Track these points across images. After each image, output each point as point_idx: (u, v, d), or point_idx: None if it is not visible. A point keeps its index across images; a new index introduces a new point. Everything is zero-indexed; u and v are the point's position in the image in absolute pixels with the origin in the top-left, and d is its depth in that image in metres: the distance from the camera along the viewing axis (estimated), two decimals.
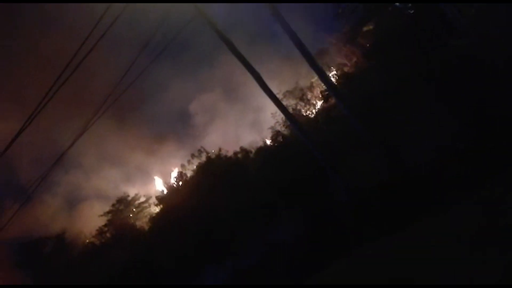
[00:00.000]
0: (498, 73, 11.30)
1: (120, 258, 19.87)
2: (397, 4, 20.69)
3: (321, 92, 21.88)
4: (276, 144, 21.97)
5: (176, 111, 40.34)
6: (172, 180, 27.88)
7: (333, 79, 20.62)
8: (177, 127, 38.55)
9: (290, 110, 21.94)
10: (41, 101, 10.10)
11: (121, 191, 32.02)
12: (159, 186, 31.87)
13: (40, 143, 34.31)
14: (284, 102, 22.04)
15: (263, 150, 22.63)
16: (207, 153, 24.92)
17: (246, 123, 33.15)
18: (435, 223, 9.19)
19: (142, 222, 27.24)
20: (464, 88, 12.23)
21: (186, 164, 27.42)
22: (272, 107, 23.96)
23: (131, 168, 36.25)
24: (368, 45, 21.84)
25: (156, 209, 26.82)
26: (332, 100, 18.92)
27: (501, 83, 11.19)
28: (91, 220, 30.61)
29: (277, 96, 14.67)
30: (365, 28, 21.04)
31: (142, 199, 29.48)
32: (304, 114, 22.66)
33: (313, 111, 22.74)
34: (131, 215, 28.49)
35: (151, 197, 29.39)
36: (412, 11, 20.25)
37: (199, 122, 37.00)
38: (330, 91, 13.94)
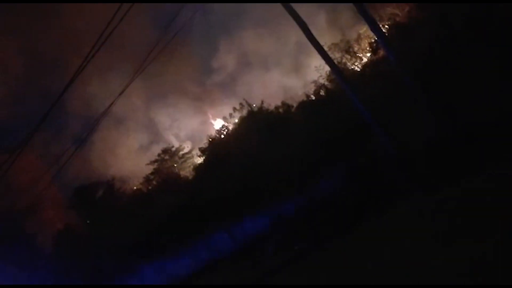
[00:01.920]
0: None
1: (166, 203, 20.95)
2: None
3: (369, 43, 20.88)
4: (319, 99, 21.58)
5: (215, 62, 39.76)
6: (214, 131, 28.43)
7: (383, 30, 19.57)
8: (216, 78, 38.18)
9: (335, 63, 21.26)
10: (85, 59, 10.15)
11: (167, 139, 33.21)
12: (217, 125, 32.07)
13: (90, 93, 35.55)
14: (330, 55, 21.33)
15: (305, 104, 22.34)
16: (250, 106, 24.94)
17: (289, 75, 32.47)
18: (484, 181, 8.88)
19: (186, 172, 28.26)
20: None
21: (228, 117, 27.69)
22: (315, 61, 23.32)
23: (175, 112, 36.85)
24: None
25: (199, 160, 27.64)
26: (381, 52, 18.07)
27: None
28: (138, 168, 32.07)
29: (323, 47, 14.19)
30: None
31: (186, 150, 30.43)
32: (350, 68, 21.88)
33: (360, 65, 21.91)
34: (175, 165, 29.60)
35: (193, 148, 30.24)
36: None
37: (239, 73, 36.55)
38: (380, 41, 13.30)
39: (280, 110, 23.75)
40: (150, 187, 29.38)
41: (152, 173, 29.71)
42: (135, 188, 32.24)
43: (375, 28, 12.88)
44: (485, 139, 10.27)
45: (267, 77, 33.99)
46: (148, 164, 30.22)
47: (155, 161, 30.09)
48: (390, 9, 22.18)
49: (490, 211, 7.21)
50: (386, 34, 17.14)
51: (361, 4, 12.46)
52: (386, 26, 20.18)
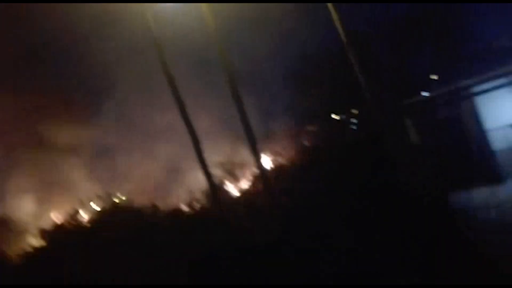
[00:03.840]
0: None
1: None
2: (343, 116, 22.05)
3: (253, 175, 21.54)
4: (192, 213, 20.78)
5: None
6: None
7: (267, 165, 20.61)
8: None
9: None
10: None
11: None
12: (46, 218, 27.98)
13: None
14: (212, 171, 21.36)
15: (177, 213, 21.14)
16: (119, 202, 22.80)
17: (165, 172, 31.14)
18: None
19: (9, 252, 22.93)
20: None
21: (86, 202, 24.59)
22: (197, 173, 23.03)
23: None
24: (306, 144, 22.57)
25: (33, 241, 23.09)
26: (259, 187, 18.65)
27: None
28: None
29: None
30: (309, 127, 21.87)
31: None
32: (228, 190, 22.02)
33: (239, 189, 22.25)
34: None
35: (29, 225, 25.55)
36: (355, 127, 21.58)
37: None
38: (263, 182, 13.68)
39: (147, 211, 22.10)
40: None
41: None
42: None
43: (260, 167, 13.36)
44: None
45: (142, 170, 32.22)
46: None
47: None
48: (277, 148, 23.88)
49: None
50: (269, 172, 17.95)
51: (255, 144, 12.98)
52: (271, 165, 21.38)
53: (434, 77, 20.68)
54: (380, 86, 15.82)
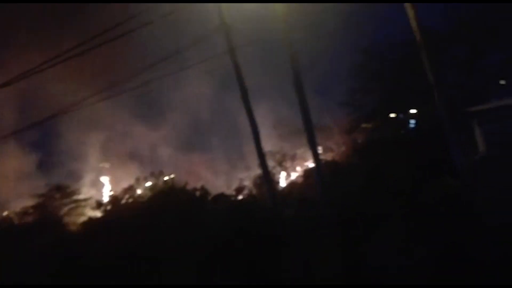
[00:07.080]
0: None
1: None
2: (401, 116, 21.30)
3: (304, 170, 21.58)
4: (238, 198, 21.21)
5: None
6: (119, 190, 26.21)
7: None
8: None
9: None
10: None
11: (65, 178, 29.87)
12: (105, 191, 29.83)
13: None
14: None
15: (222, 199, 21.66)
16: (169, 181, 23.72)
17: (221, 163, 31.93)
18: None
19: (71, 221, 24.80)
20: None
21: (141, 179, 25.85)
22: (250, 160, 23.40)
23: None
24: (359, 141, 22.15)
25: (91, 213, 24.71)
26: (309, 180, 18.62)
27: None
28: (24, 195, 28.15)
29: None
30: (364, 125, 21.40)
31: (81, 197, 27.24)
32: (276, 181, 22.22)
33: (286, 180, 22.41)
34: (64, 208, 26.12)
35: (91, 197, 27.27)
36: (413, 126, 20.80)
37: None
38: (317, 177, 13.57)
39: (197, 193, 22.79)
40: (23, 221, 25.29)
41: (32, 207, 25.86)
42: (6, 213, 28.00)
43: (316, 160, 13.20)
44: None
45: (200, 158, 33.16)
46: (33, 195, 26.51)
47: (43, 195, 26.45)
48: (328, 142, 23.68)
49: None
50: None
51: (312, 133, 12.82)
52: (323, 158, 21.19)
53: (502, 82, 19.49)
54: (448, 87, 15.20)
